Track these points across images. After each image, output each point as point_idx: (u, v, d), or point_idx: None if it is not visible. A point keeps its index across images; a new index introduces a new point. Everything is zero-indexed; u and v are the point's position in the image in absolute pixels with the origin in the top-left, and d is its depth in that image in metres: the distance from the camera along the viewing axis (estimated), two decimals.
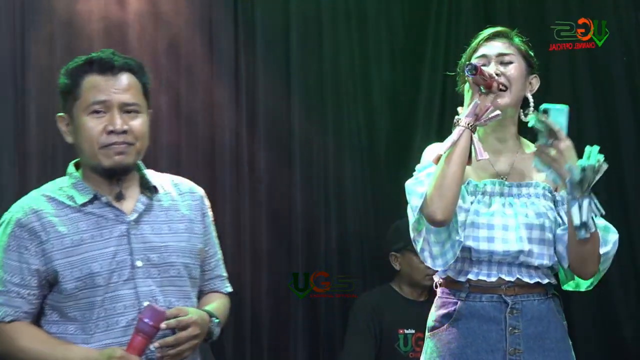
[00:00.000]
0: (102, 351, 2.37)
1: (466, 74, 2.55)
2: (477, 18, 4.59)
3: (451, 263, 2.60)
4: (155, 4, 4.16)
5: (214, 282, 2.69)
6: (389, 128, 4.60)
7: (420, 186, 2.59)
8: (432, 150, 2.70)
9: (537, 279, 2.65)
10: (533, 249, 2.63)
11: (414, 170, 2.71)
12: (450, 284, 2.67)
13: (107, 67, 2.48)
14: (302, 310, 4.37)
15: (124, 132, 2.45)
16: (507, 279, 2.63)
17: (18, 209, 2.50)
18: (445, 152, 2.54)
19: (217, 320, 2.55)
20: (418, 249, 2.66)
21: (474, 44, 2.74)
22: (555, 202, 2.70)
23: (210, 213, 2.68)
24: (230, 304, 2.75)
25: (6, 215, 2.52)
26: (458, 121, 2.58)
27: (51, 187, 2.55)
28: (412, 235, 2.66)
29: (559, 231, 2.68)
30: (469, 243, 2.60)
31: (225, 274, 2.73)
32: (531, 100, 2.69)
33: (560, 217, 2.69)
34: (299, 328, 4.39)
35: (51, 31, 3.95)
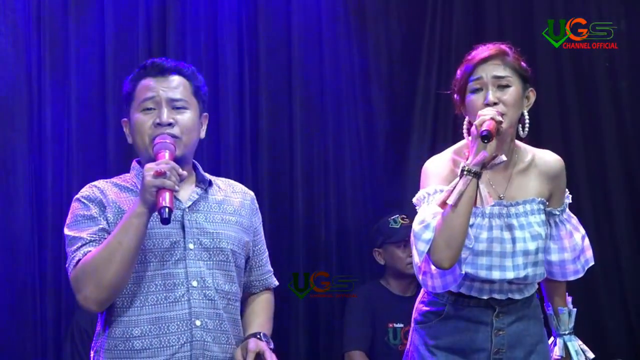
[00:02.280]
0: (143, 185, 2.45)
1: (484, 142, 2.54)
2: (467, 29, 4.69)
3: (450, 288, 2.67)
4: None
5: (265, 277, 2.82)
6: (387, 129, 4.63)
7: (427, 231, 2.59)
8: (435, 174, 2.70)
9: (526, 294, 2.75)
10: (528, 273, 2.70)
11: (417, 188, 2.74)
12: None
13: (159, 70, 2.65)
14: (302, 310, 4.40)
15: (170, 124, 2.59)
16: (499, 297, 2.71)
17: (85, 189, 2.67)
18: (451, 202, 2.55)
19: (263, 336, 2.65)
20: (420, 276, 2.73)
21: (469, 64, 2.72)
22: (547, 213, 2.77)
23: (259, 214, 2.82)
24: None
25: (74, 197, 2.67)
26: (464, 170, 2.57)
27: (117, 178, 2.72)
28: (415, 270, 2.73)
29: (549, 244, 2.77)
30: (468, 270, 2.65)
31: (271, 269, 2.86)
32: (527, 117, 2.70)
33: (550, 226, 2.78)
34: (299, 328, 4.42)
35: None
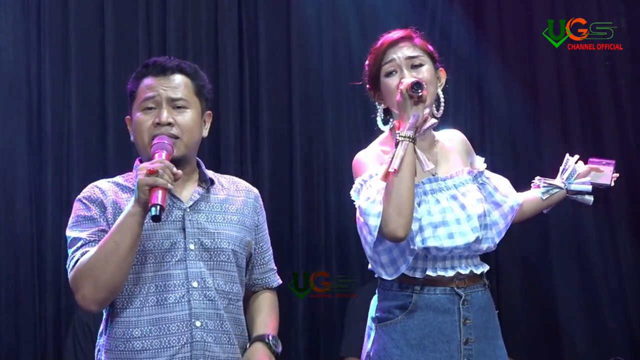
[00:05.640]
0: (137, 184, 2.46)
1: (417, 93, 2.59)
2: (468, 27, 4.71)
3: (402, 271, 2.66)
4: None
5: (267, 275, 2.82)
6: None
7: (375, 205, 2.59)
8: (367, 162, 2.73)
9: (481, 269, 2.76)
10: (487, 235, 2.74)
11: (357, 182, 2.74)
12: (403, 279, 2.71)
13: (160, 69, 2.66)
14: (302, 310, 4.41)
15: (169, 124, 2.60)
16: (463, 272, 2.72)
17: (86, 189, 2.68)
18: (393, 169, 2.57)
19: (271, 339, 2.67)
20: (370, 263, 2.72)
21: (379, 50, 2.79)
22: (476, 176, 2.81)
23: (263, 212, 2.82)
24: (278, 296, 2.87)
25: (76, 198, 2.68)
26: (399, 136, 2.60)
27: (118, 177, 2.73)
28: (368, 252, 2.68)
29: (496, 197, 2.82)
30: (432, 243, 2.65)
31: (275, 268, 2.85)
32: (442, 96, 2.75)
33: (484, 184, 2.83)
34: (299, 328, 4.43)
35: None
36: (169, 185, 2.44)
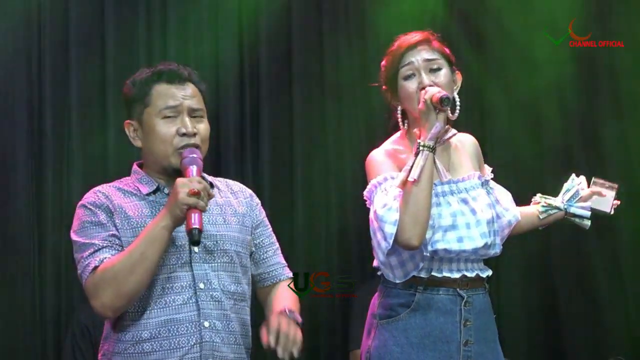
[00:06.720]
0: (171, 197, 2.50)
1: (445, 107, 2.61)
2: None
3: (412, 275, 2.68)
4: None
5: (274, 268, 2.82)
6: (388, 127, 4.65)
7: (392, 213, 2.61)
8: (382, 162, 2.75)
9: (487, 273, 2.78)
10: (495, 241, 2.75)
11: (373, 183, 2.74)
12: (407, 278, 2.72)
13: (175, 77, 2.67)
14: (302, 310, 4.41)
15: (194, 134, 2.63)
16: (469, 275, 2.73)
17: (89, 195, 2.68)
18: (413, 178, 2.59)
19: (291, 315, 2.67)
20: (381, 269, 2.72)
21: (397, 53, 2.78)
22: (483, 183, 2.83)
23: (260, 209, 2.84)
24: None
25: (79, 203, 2.68)
26: (421, 146, 2.62)
27: (118, 182, 2.74)
28: (380, 258, 2.68)
29: (498, 209, 2.82)
30: (442, 245, 2.67)
31: (284, 262, 2.86)
32: (457, 100, 2.74)
33: (489, 193, 2.84)
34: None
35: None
36: (206, 209, 2.49)
